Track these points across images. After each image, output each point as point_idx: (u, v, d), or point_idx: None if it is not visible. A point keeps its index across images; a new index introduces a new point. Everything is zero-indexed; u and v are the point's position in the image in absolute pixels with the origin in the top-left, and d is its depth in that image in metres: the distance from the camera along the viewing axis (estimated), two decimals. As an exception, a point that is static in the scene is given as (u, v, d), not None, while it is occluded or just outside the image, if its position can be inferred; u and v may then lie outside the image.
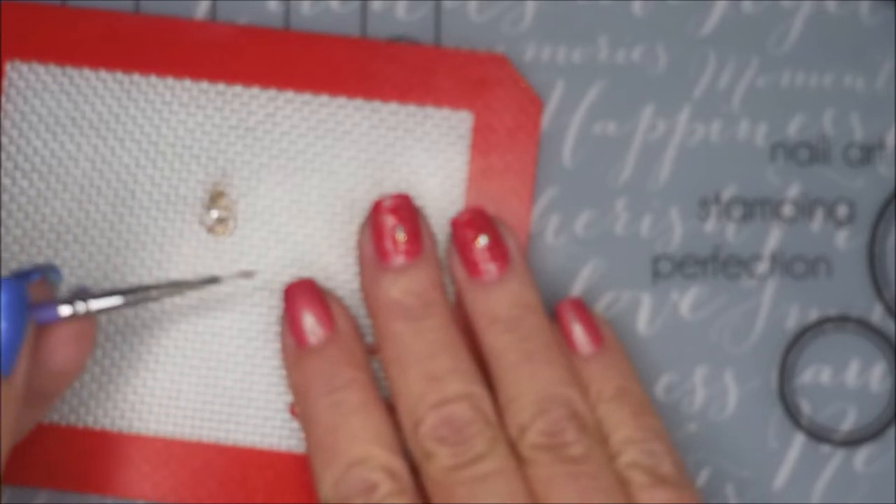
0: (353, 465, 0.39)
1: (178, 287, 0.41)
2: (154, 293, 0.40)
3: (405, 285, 0.40)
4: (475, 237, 0.41)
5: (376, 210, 0.41)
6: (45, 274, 0.40)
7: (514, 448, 0.39)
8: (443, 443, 0.39)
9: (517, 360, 0.40)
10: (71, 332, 0.39)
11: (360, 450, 0.39)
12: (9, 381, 0.37)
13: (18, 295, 0.37)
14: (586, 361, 0.41)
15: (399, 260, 0.41)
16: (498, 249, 0.41)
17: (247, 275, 0.42)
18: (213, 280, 0.41)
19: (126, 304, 0.40)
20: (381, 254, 0.41)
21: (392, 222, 0.41)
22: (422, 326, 0.40)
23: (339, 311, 0.41)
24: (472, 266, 0.41)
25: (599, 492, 0.38)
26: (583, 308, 0.42)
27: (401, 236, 0.41)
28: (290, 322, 0.41)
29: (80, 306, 0.39)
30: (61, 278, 0.41)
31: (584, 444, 0.39)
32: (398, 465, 0.39)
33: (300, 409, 0.41)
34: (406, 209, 0.41)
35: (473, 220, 0.41)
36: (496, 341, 0.40)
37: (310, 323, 0.41)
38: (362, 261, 0.41)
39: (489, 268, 0.41)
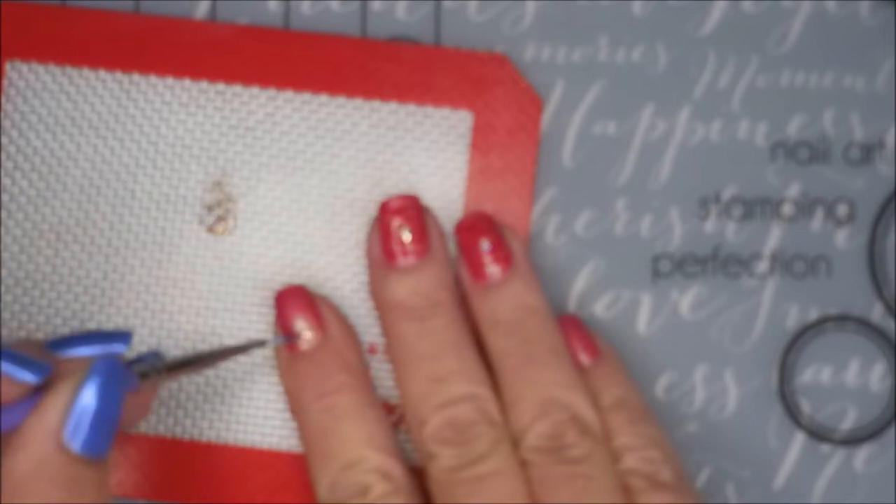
0: (346, 468, 0.39)
1: (232, 351, 0.41)
2: (212, 360, 0.40)
3: (411, 286, 0.41)
4: (477, 241, 0.41)
5: (383, 211, 0.41)
6: (124, 340, 0.39)
7: (517, 450, 0.39)
8: (446, 444, 0.39)
9: (518, 364, 0.40)
10: (141, 397, 0.39)
11: (352, 453, 0.39)
12: (104, 462, 0.36)
13: (118, 374, 0.36)
14: (583, 373, 0.41)
15: (405, 261, 0.41)
16: (500, 252, 0.41)
17: (294, 338, 0.41)
18: (259, 343, 0.41)
19: (193, 371, 0.40)
20: (388, 255, 0.41)
21: (398, 223, 0.41)
22: (427, 327, 0.40)
23: (330, 316, 0.41)
24: (475, 269, 0.41)
25: (596, 493, 0.38)
26: (577, 322, 0.42)
27: (406, 237, 0.41)
28: (280, 328, 0.41)
29: (155, 376, 0.38)
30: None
31: (583, 447, 0.39)
32: (392, 465, 0.39)
33: (294, 415, 0.41)
34: (413, 209, 0.41)
35: (475, 224, 0.41)
36: (498, 344, 0.40)
37: (300, 328, 0.41)
38: (370, 262, 0.42)
39: (492, 271, 0.41)
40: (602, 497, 0.38)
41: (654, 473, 0.40)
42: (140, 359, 0.39)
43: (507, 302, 0.41)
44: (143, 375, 0.38)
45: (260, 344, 0.41)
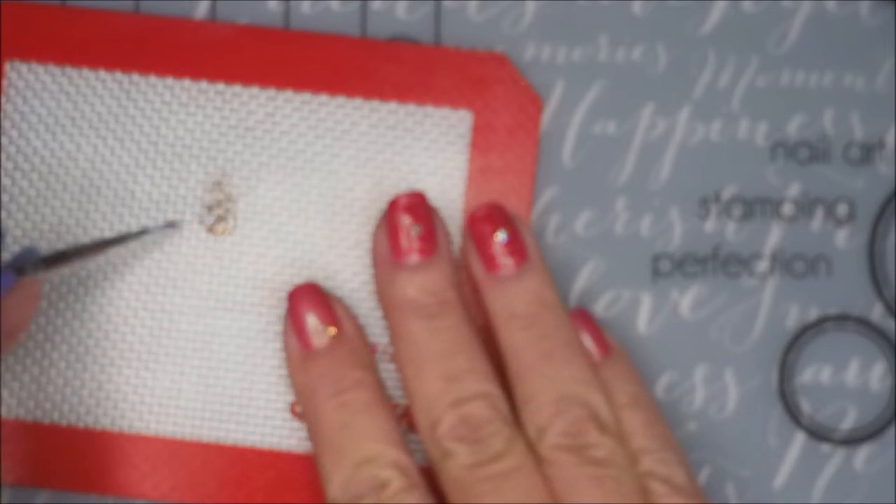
0: (362, 463, 0.39)
1: (109, 242, 0.41)
2: (89, 251, 0.40)
3: (420, 283, 0.40)
4: (493, 232, 0.41)
5: (392, 208, 0.41)
6: None
7: (532, 448, 0.39)
8: (462, 442, 0.39)
9: (535, 359, 0.40)
10: (20, 296, 0.39)
11: (369, 448, 0.39)
12: None
13: None
14: (595, 369, 0.41)
15: (414, 258, 0.41)
16: (515, 244, 0.41)
17: (172, 224, 0.42)
18: (138, 234, 0.41)
19: (71, 264, 0.40)
20: (397, 252, 0.41)
21: (408, 221, 0.41)
22: (437, 325, 0.40)
23: (343, 313, 0.41)
24: (489, 261, 0.41)
25: (623, 496, 0.38)
26: (588, 317, 0.42)
27: (416, 234, 0.41)
28: (294, 326, 0.41)
29: (32, 271, 0.38)
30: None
31: (606, 447, 0.39)
32: (407, 461, 0.39)
33: (306, 412, 0.41)
34: (421, 207, 0.41)
35: (491, 215, 0.41)
36: (513, 339, 0.40)
37: (314, 326, 0.41)
38: (377, 260, 0.42)
39: (506, 262, 0.41)
40: (627, 499, 0.38)
41: (671, 476, 0.39)
42: (14, 256, 0.39)
43: (522, 296, 0.41)
44: (19, 271, 0.38)
45: (139, 234, 0.41)
